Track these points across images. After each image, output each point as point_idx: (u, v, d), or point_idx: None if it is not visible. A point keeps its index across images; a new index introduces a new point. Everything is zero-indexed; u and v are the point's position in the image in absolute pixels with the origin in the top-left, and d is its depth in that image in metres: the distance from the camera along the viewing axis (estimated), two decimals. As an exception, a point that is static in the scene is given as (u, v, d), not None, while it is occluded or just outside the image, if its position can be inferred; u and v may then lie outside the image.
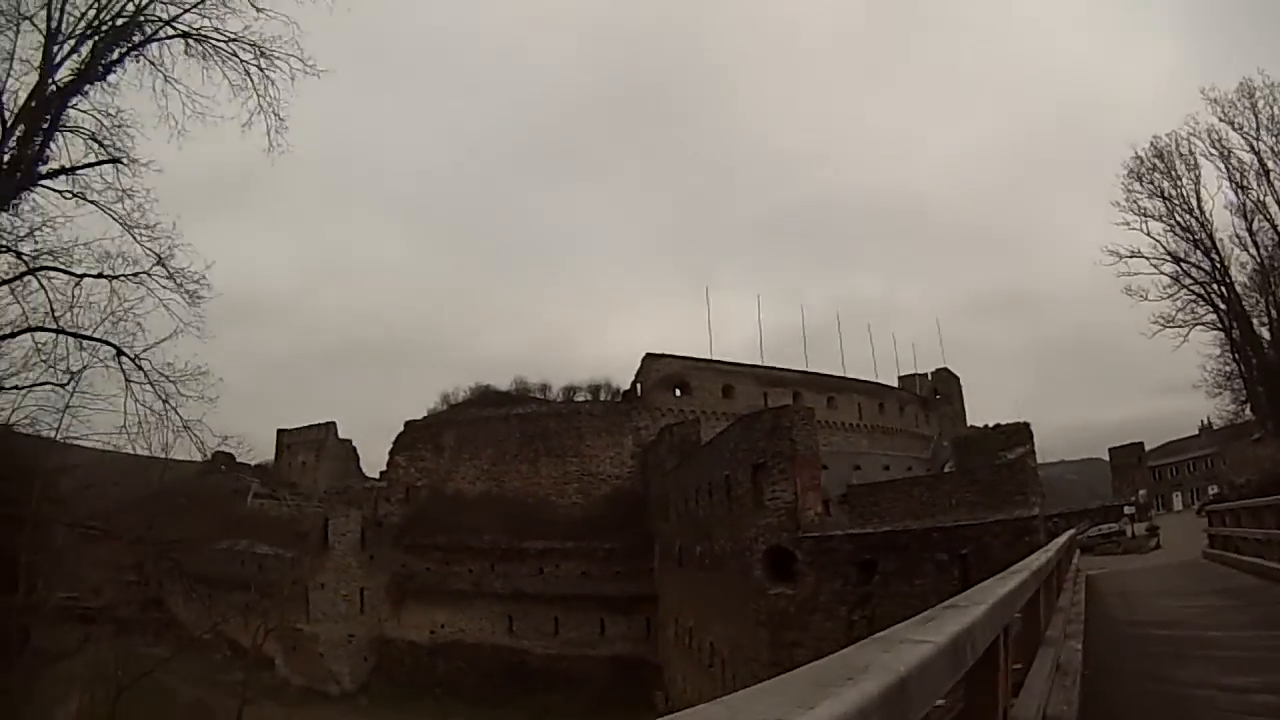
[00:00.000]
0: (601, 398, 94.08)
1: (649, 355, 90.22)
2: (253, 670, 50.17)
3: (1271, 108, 55.66)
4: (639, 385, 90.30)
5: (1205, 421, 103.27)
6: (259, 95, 30.59)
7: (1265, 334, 58.17)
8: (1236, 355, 59.63)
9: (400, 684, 76.66)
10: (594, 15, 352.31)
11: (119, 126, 28.87)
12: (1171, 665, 11.84)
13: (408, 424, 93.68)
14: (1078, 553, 24.70)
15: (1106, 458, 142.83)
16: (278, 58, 30.45)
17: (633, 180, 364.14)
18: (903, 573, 35.86)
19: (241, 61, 30.26)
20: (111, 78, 29.10)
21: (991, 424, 57.24)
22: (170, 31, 29.79)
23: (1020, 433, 41.25)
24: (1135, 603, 20.43)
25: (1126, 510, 74.34)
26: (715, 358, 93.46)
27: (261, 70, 30.39)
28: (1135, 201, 59.58)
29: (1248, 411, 64.00)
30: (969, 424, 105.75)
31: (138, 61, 29.64)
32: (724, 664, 48.26)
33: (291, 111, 31.72)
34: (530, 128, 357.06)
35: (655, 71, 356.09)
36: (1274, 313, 56.95)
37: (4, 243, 27.94)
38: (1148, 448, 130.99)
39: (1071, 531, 39.07)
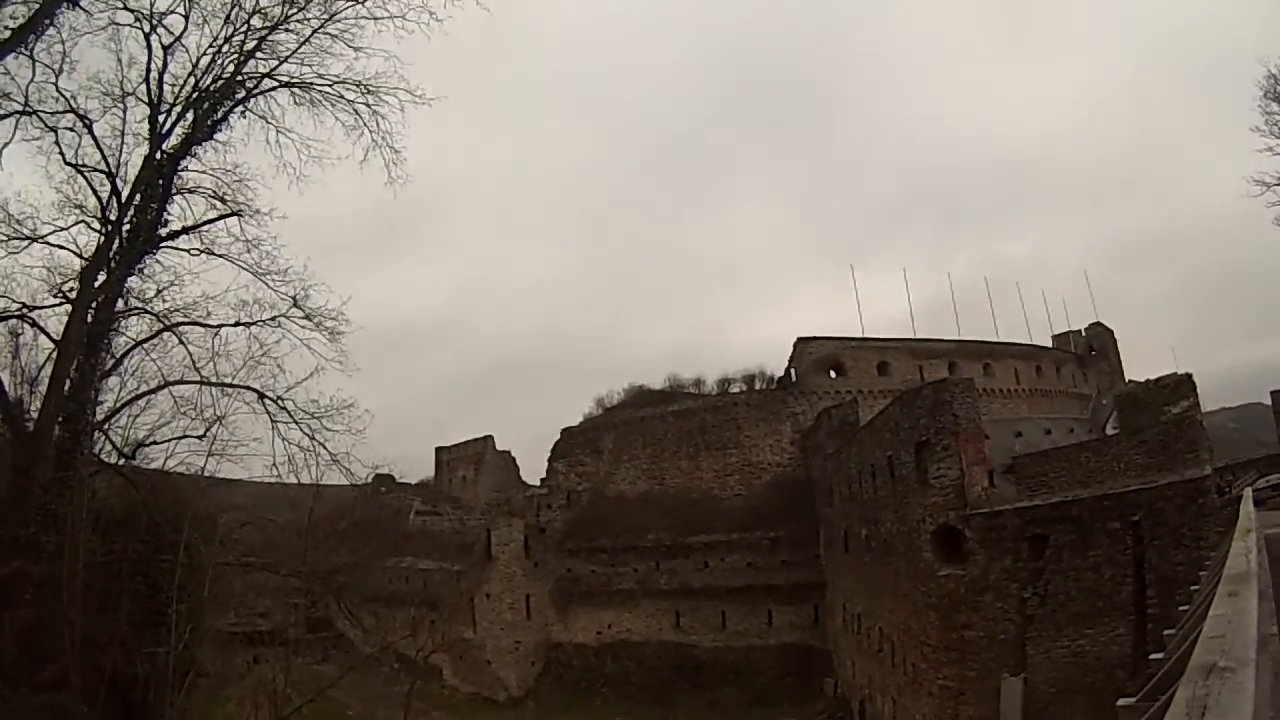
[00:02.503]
0: (756, 386, 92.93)
1: (800, 339, 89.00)
2: (421, 681, 50.64)
3: None
4: (793, 370, 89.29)
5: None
6: (370, 131, 30.84)
7: None
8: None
9: (568, 686, 77.31)
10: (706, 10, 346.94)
11: (239, 181, 29.90)
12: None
13: (564, 431, 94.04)
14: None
15: (1268, 401, 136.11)
16: (384, 93, 30.76)
17: (766, 173, 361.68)
18: (1075, 545, 34.51)
19: (349, 102, 30.55)
20: (220, 136, 30.00)
21: (1150, 377, 55.35)
22: (271, 84, 30.22)
23: (1183, 385, 39.86)
24: None
25: (1294, 459, 70.26)
26: (867, 335, 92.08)
27: (369, 107, 30.64)
28: (1275, 124, 56.34)
29: None
30: (1127, 379, 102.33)
31: (245, 118, 30.16)
32: (894, 648, 47.21)
33: (412, 141, 32.14)
34: (657, 134, 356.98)
35: (775, 64, 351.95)
36: None
37: (136, 305, 28.72)
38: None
39: (1250, 491, 37.22)
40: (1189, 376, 40.04)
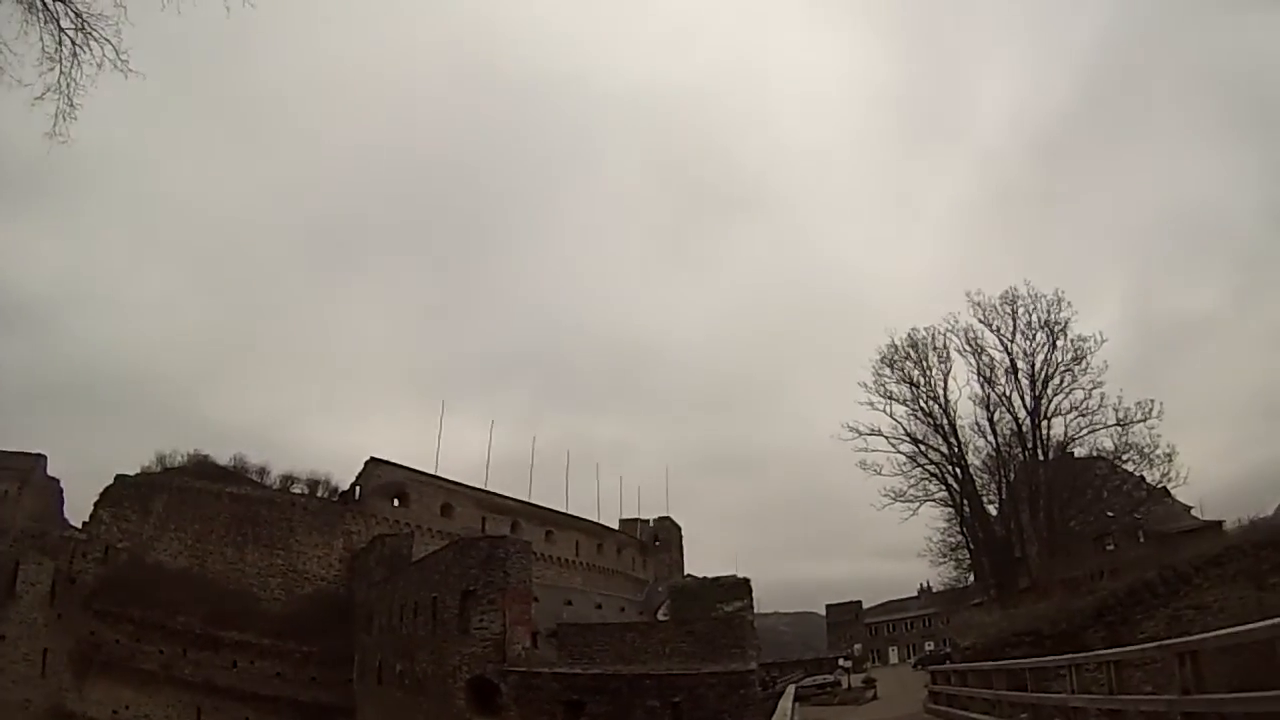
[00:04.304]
0: (319, 494, 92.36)
1: (372, 459, 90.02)
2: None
3: (1030, 315, 62.12)
4: (358, 488, 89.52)
5: (924, 584, 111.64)
6: (61, 71, 29.45)
7: (993, 511, 65.11)
8: (965, 530, 65.44)
9: (76, 770, 71.32)
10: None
11: None
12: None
13: (118, 477, 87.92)
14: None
15: (823, 613, 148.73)
16: (95, 38, 29.49)
17: (401, 288, 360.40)
18: (612, 716, 37.01)
19: (61, 30, 29.28)
20: None
21: (709, 574, 60.66)
22: None
23: (740, 587, 43.89)
24: None
25: (842, 662, 78.12)
26: (439, 474, 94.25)
27: (74, 45, 29.37)
28: (883, 385, 65.54)
29: (970, 578, 70.14)
30: (686, 572, 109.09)
31: None
32: (420, 792, 48.10)
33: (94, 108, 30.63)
34: (334, 198, 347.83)
35: (438, 190, 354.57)
36: (1003, 494, 64.09)
37: None
38: (866, 605, 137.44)
39: (794, 688, 41.14)
40: (746, 580, 44.44)
